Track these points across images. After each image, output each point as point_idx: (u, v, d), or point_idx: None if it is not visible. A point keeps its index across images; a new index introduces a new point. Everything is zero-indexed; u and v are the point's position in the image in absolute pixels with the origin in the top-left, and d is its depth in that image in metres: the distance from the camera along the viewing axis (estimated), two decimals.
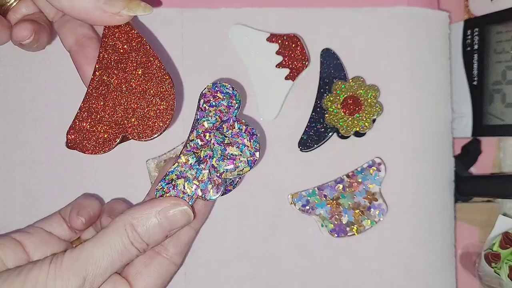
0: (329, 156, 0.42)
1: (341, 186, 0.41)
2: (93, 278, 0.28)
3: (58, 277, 0.27)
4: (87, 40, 0.35)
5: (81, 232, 0.37)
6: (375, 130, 0.42)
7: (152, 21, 0.41)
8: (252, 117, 0.42)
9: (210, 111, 0.34)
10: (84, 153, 0.35)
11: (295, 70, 0.41)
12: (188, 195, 0.32)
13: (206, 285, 0.41)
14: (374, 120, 0.41)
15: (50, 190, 0.41)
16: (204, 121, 0.33)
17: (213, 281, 0.41)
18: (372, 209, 0.41)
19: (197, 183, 0.32)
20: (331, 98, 0.41)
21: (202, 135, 0.33)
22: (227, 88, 0.34)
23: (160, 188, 0.32)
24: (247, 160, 0.33)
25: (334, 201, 0.41)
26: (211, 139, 0.33)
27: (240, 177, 0.35)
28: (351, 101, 0.41)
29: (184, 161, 0.33)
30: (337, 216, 0.41)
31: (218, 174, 0.32)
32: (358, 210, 0.41)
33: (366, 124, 0.40)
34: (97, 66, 0.34)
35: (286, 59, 0.41)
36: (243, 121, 0.33)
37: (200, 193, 0.32)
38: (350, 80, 0.41)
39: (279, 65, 0.41)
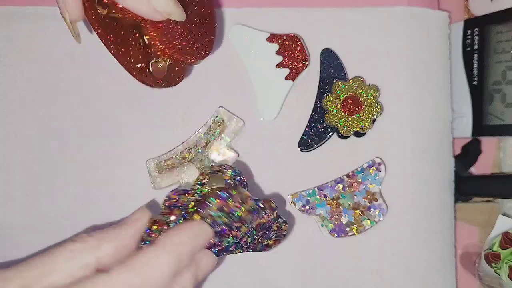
0: (329, 156, 0.42)
1: (341, 186, 0.41)
2: None
3: None
4: None
5: None
6: (375, 130, 0.42)
7: None
8: (252, 117, 0.42)
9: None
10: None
11: (295, 70, 0.41)
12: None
13: (206, 285, 0.41)
14: (374, 120, 0.41)
15: (50, 190, 0.41)
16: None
17: (212, 282, 0.41)
18: (372, 209, 0.41)
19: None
20: (331, 98, 0.41)
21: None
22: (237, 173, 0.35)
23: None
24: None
25: (334, 201, 0.41)
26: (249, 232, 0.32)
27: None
28: (351, 101, 0.41)
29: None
30: (337, 216, 0.41)
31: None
32: (358, 210, 0.41)
33: (366, 124, 0.40)
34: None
35: (286, 59, 0.41)
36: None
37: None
38: (350, 80, 0.41)
39: (279, 65, 0.41)
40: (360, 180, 0.41)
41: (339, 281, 0.42)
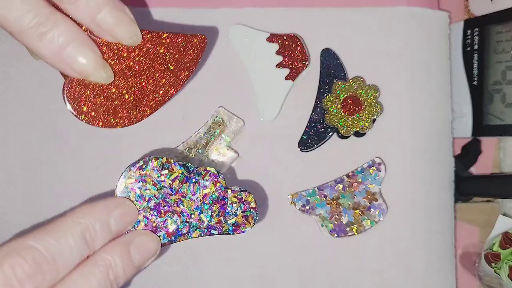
0: (329, 156, 0.42)
1: (341, 186, 0.41)
2: None
3: None
4: None
5: None
6: (375, 130, 0.42)
7: (153, 21, 0.41)
8: (252, 117, 0.42)
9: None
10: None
11: (295, 70, 0.41)
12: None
13: (206, 285, 0.41)
14: (374, 120, 0.41)
15: (50, 190, 0.41)
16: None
17: (213, 281, 0.41)
18: (372, 209, 0.41)
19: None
20: (331, 98, 0.41)
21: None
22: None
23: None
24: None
25: (334, 201, 0.41)
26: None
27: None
28: (351, 101, 0.41)
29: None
30: (337, 216, 0.41)
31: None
32: (358, 210, 0.41)
33: (366, 124, 0.40)
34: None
35: (286, 59, 0.41)
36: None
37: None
38: (350, 80, 0.41)
39: (279, 65, 0.41)
40: (360, 180, 0.41)
41: (339, 281, 0.42)
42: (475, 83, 0.45)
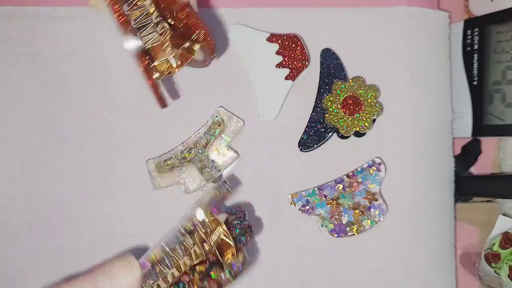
0: (329, 156, 0.42)
1: (341, 186, 0.41)
2: None
3: None
4: None
5: None
6: (375, 130, 0.42)
7: None
8: (252, 117, 0.42)
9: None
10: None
11: (295, 70, 0.41)
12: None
13: None
14: (374, 120, 0.41)
15: (50, 190, 0.41)
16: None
17: None
18: (372, 209, 0.41)
19: None
20: (331, 98, 0.41)
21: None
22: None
23: None
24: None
25: (334, 201, 0.41)
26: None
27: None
28: (351, 101, 0.41)
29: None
30: (337, 216, 0.41)
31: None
32: (358, 210, 0.41)
33: (366, 124, 0.40)
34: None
35: (286, 59, 0.41)
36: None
37: None
38: (350, 80, 0.41)
39: (279, 65, 0.41)
40: (360, 180, 0.41)
41: (339, 281, 0.42)
42: (475, 83, 0.45)
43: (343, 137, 0.42)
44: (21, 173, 0.41)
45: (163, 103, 0.35)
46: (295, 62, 0.41)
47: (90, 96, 0.41)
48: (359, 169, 0.42)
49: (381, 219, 0.41)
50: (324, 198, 0.41)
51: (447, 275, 0.43)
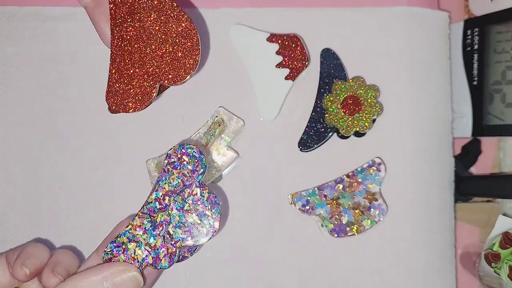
0: (329, 156, 0.42)
1: (341, 186, 0.41)
2: None
3: None
4: None
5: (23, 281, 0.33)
6: (375, 130, 0.42)
7: None
8: (252, 117, 0.42)
9: (173, 173, 0.32)
10: (128, 112, 0.34)
11: (295, 70, 0.41)
12: (138, 261, 0.30)
13: (206, 285, 0.41)
14: (374, 120, 0.41)
15: (50, 190, 0.41)
16: (165, 183, 0.31)
17: (213, 281, 0.41)
18: (372, 209, 0.41)
19: (149, 250, 0.30)
20: (331, 98, 0.41)
21: (161, 198, 0.31)
22: (194, 151, 0.32)
23: (109, 251, 0.30)
24: (206, 231, 0.31)
25: (334, 201, 0.41)
26: (170, 204, 0.31)
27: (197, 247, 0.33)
28: (351, 101, 0.41)
29: (138, 224, 0.31)
30: (337, 216, 0.41)
31: (172, 242, 0.31)
32: (358, 210, 0.41)
33: (366, 124, 0.40)
34: (112, 23, 0.34)
35: (286, 59, 0.41)
36: (207, 187, 0.31)
37: (150, 261, 0.30)
38: (350, 80, 0.41)
39: (279, 65, 0.41)
40: (360, 180, 0.41)
41: (339, 281, 0.42)
42: (475, 83, 0.45)
43: (343, 137, 0.42)
44: (21, 173, 0.41)
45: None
46: (295, 62, 0.41)
47: (90, 96, 0.41)
48: (359, 169, 0.42)
49: (381, 219, 0.41)
50: (324, 198, 0.41)
51: (447, 275, 0.43)
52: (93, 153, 0.41)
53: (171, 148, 0.32)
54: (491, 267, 0.40)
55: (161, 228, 0.31)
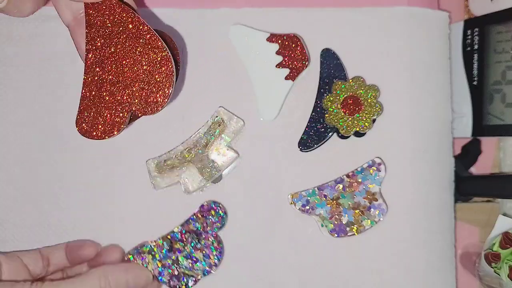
0: (329, 156, 0.42)
1: (341, 186, 0.41)
2: None
3: None
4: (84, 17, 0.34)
5: (50, 273, 0.38)
6: (375, 130, 0.42)
7: (152, 21, 0.41)
8: (252, 117, 0.42)
9: (200, 219, 0.40)
10: (94, 139, 0.34)
11: (295, 70, 0.41)
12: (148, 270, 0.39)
13: (207, 285, 0.41)
14: (374, 120, 0.41)
15: (50, 190, 0.41)
16: (191, 223, 0.40)
17: (213, 281, 0.41)
18: (372, 209, 0.41)
19: (159, 265, 0.39)
20: (331, 98, 0.41)
21: (184, 232, 0.40)
22: (220, 210, 0.40)
23: (132, 254, 0.39)
24: (204, 270, 0.40)
25: (334, 201, 0.41)
26: (188, 239, 0.39)
27: (195, 279, 0.40)
28: (351, 101, 0.41)
29: (160, 243, 0.39)
30: (337, 216, 0.41)
31: (178, 267, 0.39)
32: (358, 210, 0.41)
33: (366, 124, 0.40)
34: (87, 48, 0.33)
35: (286, 59, 0.41)
36: (219, 239, 0.40)
37: (156, 273, 0.39)
38: (350, 80, 0.41)
39: (279, 65, 0.41)
40: (360, 180, 0.41)
41: (339, 281, 0.42)
42: (475, 83, 0.45)
43: (343, 137, 0.42)
44: (21, 173, 0.41)
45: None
46: (295, 62, 0.41)
47: None
48: (359, 169, 0.42)
49: (381, 219, 0.41)
50: (324, 198, 0.41)
51: (447, 275, 0.43)
52: (93, 153, 0.41)
53: (206, 201, 0.41)
54: (491, 267, 0.40)
55: (174, 253, 0.39)
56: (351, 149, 0.42)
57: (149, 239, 0.40)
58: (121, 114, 0.33)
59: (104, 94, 0.33)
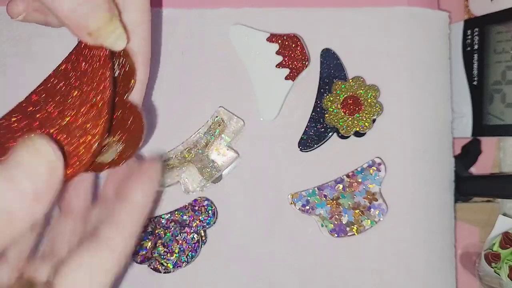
0: (329, 156, 0.42)
1: (341, 186, 0.41)
2: None
3: None
4: None
5: None
6: (375, 130, 0.42)
7: (152, 21, 0.41)
8: (252, 117, 0.42)
9: (189, 211, 0.41)
10: None
11: (295, 70, 0.41)
12: None
13: (207, 285, 0.41)
14: (374, 120, 0.41)
15: None
16: (179, 214, 0.41)
17: (213, 281, 0.41)
18: (372, 209, 0.41)
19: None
20: (331, 98, 0.41)
21: (169, 221, 0.40)
22: (210, 209, 0.41)
23: None
24: (174, 262, 0.40)
25: (334, 201, 0.41)
26: (171, 228, 0.40)
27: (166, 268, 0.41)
28: (351, 101, 0.41)
29: (146, 224, 0.40)
30: (337, 216, 0.41)
31: (152, 251, 0.40)
32: (358, 210, 0.41)
33: (366, 124, 0.40)
34: (51, 73, 0.30)
35: (286, 59, 0.41)
36: (201, 237, 0.41)
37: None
38: (350, 80, 0.41)
39: (279, 65, 0.41)
40: (360, 180, 0.41)
41: (339, 281, 0.42)
42: (475, 83, 0.45)
43: (343, 137, 0.42)
44: None
45: None
46: (295, 62, 0.41)
47: None
48: (359, 169, 0.42)
49: (381, 219, 0.41)
50: (324, 198, 0.41)
51: (447, 275, 0.43)
52: None
53: (200, 197, 0.41)
54: (491, 267, 0.40)
55: (153, 237, 0.40)
56: (351, 149, 0.42)
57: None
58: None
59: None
